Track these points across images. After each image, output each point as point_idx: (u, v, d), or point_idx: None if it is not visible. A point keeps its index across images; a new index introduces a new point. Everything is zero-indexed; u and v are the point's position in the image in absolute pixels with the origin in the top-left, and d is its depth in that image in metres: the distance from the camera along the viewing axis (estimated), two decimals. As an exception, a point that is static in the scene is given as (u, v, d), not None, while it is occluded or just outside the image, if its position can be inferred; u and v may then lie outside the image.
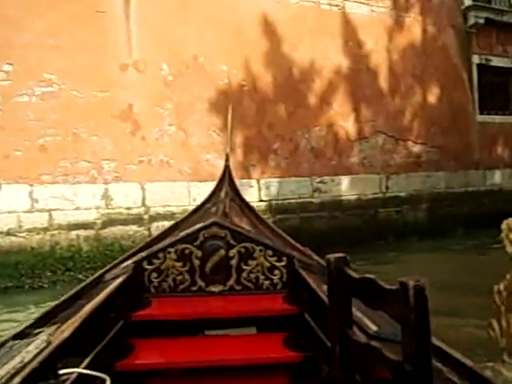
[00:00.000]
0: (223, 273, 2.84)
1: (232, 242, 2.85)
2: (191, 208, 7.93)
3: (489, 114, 11.93)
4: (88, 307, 2.19)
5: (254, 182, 8.75)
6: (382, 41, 10.32)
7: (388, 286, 1.42)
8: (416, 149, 10.64)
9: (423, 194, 10.54)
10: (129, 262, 2.86)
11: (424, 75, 10.85)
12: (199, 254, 2.83)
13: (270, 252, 2.85)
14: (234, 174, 8.40)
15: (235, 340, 2.57)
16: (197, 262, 2.83)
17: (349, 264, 1.75)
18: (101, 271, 2.86)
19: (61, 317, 2.15)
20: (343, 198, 9.61)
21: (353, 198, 9.72)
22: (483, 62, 11.83)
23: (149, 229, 7.74)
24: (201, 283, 2.83)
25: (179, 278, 2.83)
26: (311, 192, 9.31)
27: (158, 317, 2.62)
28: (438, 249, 8.60)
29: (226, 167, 4.23)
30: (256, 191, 8.73)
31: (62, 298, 2.37)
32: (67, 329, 1.93)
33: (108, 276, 2.76)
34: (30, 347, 1.76)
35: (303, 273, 2.70)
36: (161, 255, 2.82)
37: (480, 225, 10.55)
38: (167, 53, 8.05)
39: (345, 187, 9.68)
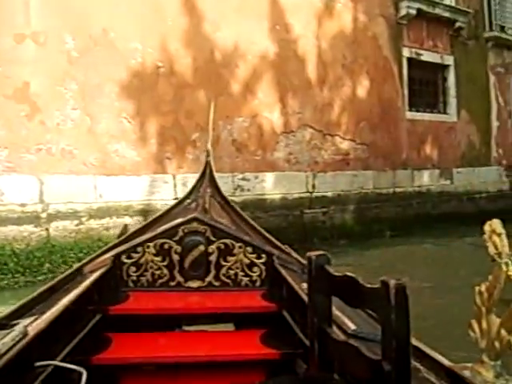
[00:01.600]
0: (202, 268, 3.02)
1: (212, 237, 3.04)
2: (97, 206, 7.68)
3: (418, 111, 12.37)
4: (65, 300, 2.32)
5: (169, 178, 8.49)
6: (311, 26, 10.39)
7: (369, 285, 1.51)
8: (344, 145, 10.81)
9: (351, 195, 10.75)
10: (107, 255, 3.03)
11: (354, 66, 11.05)
12: (178, 249, 3.01)
13: (249, 249, 3.05)
14: (147, 167, 8.19)
15: (212, 336, 2.73)
16: (176, 257, 3.01)
17: (330, 262, 1.85)
18: (79, 264, 3.04)
19: (37, 309, 2.26)
20: (267, 196, 9.57)
21: (277, 197, 9.70)
22: (413, 55, 12.25)
23: (47, 229, 7.27)
24: (179, 278, 3.02)
25: (158, 272, 3.01)
26: (232, 190, 9.18)
27: (136, 311, 2.79)
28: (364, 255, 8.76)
29: (207, 163, 4.38)
30: (171, 188, 8.48)
31: (39, 290, 2.49)
32: (44, 321, 2.04)
33: (86, 269, 2.93)
34: (6, 339, 1.80)
35: (282, 270, 2.88)
36: (140, 249, 3.00)
37: (408, 228, 10.95)
38: (73, 24, 7.61)
39: (269, 185, 9.64)
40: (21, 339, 1.84)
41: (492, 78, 14.08)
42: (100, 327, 2.61)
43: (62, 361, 2.06)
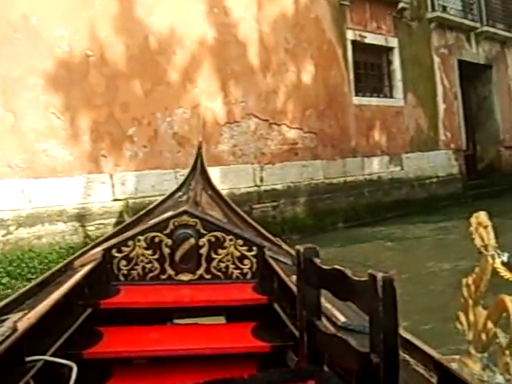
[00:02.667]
0: (193, 262, 3.10)
1: (202, 230, 3.11)
2: (26, 212, 7.08)
3: (364, 95, 12.23)
4: (56, 294, 2.38)
5: (105, 177, 7.96)
6: (251, 9, 10.06)
7: (357, 278, 1.55)
8: (291, 134, 10.53)
9: (301, 186, 10.50)
10: (98, 249, 3.11)
11: (297, 50, 10.79)
12: (169, 242, 3.08)
13: (240, 241, 3.12)
14: (80, 167, 7.65)
15: (204, 329, 2.80)
16: (166, 251, 3.08)
17: (318, 255, 1.88)
18: (69, 258, 3.12)
19: (27, 304, 2.32)
20: None
21: (224, 192, 9.09)
22: (358, 38, 12.09)
23: (-31, 242, 6.63)
24: (170, 272, 3.09)
25: (148, 266, 3.07)
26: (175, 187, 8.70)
27: (127, 305, 2.85)
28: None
29: (198, 156, 4.42)
30: (109, 188, 7.96)
31: (29, 285, 2.58)
32: (34, 315, 2.08)
33: (76, 263, 3.01)
34: None
35: (273, 263, 2.97)
36: (130, 243, 3.06)
37: (360, 218, 10.82)
38: (-13, 10, 6.94)
39: (215, 180, 9.02)
40: (10, 334, 1.86)
41: (436, 60, 14.14)
42: (91, 321, 2.66)
43: (52, 355, 2.12)
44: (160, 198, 4.18)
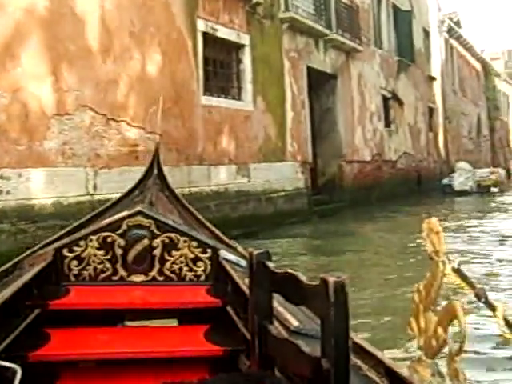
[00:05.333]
0: (146, 263, 3.09)
1: (156, 231, 3.11)
2: None
3: (212, 95, 11.32)
4: (1, 294, 2.41)
5: None
6: (94, -21, 8.63)
7: (309, 282, 1.56)
8: (132, 134, 9.29)
9: (141, 197, 9.20)
10: (48, 248, 3.12)
11: (143, 35, 9.66)
12: (122, 242, 3.07)
13: (194, 243, 3.11)
14: None
15: (155, 332, 2.85)
16: (119, 251, 3.07)
17: (271, 258, 1.92)
18: (18, 258, 3.10)
19: None
20: (35, 201, 7.73)
21: (49, 201, 7.89)
22: (209, 30, 11.17)
23: None
24: (122, 273, 3.09)
25: (100, 266, 3.07)
26: (-15, 193, 7.10)
27: (77, 306, 2.88)
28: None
29: (155, 155, 4.33)
30: None
31: None
32: None
33: (26, 263, 3.04)
34: None
35: (227, 265, 3.01)
36: (82, 243, 3.05)
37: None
38: None
39: (37, 185, 7.76)
40: None
41: (286, 64, 13.75)
42: (39, 323, 2.65)
43: None
44: (114, 197, 4.13)
